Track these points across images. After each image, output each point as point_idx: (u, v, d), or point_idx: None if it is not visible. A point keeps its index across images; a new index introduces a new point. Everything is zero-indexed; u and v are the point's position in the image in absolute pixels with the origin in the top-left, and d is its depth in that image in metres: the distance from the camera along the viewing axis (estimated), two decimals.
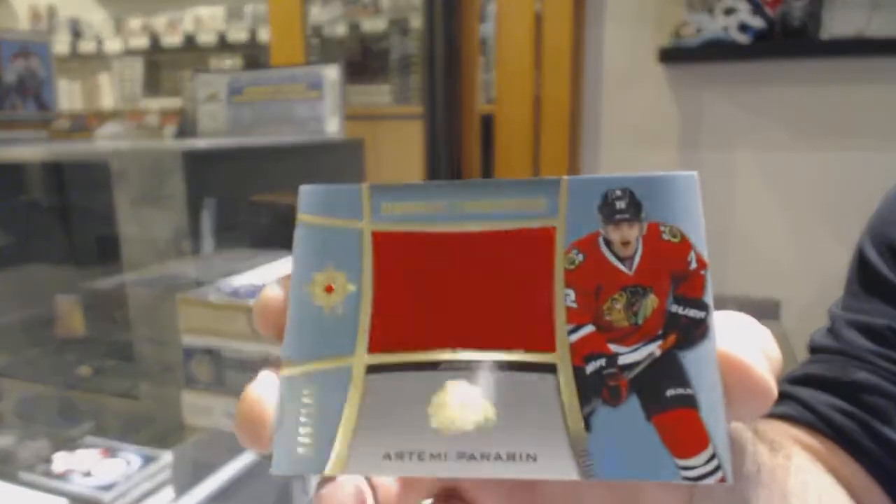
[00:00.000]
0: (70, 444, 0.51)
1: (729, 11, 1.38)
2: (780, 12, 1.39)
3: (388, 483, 0.17)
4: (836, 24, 1.38)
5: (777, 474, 0.21)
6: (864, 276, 0.39)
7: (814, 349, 0.39)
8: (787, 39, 1.41)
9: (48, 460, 0.49)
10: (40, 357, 0.81)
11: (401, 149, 1.74)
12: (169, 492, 0.49)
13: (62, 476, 0.47)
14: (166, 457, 0.49)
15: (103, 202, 0.65)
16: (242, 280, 0.57)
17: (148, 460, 0.49)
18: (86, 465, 0.49)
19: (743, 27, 1.38)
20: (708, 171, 1.54)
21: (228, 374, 0.54)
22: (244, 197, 0.77)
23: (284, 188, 0.79)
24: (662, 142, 1.58)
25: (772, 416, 0.37)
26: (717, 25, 1.40)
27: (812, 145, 1.47)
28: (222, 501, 0.51)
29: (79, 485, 0.47)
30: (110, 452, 0.50)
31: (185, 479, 0.51)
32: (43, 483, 0.47)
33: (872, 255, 0.38)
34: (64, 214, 0.88)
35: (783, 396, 0.38)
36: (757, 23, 1.37)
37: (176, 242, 0.63)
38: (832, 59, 1.40)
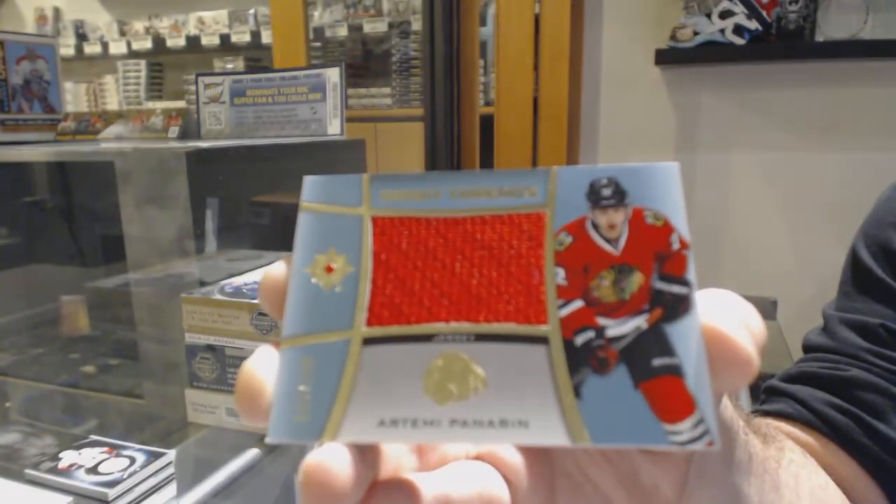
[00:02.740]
0: (75, 442, 0.51)
1: (725, 14, 1.38)
2: (776, 15, 1.40)
3: (405, 455, 0.17)
4: (832, 27, 1.38)
5: (769, 465, 0.21)
6: (857, 276, 0.39)
7: (808, 348, 0.40)
8: (782, 42, 1.41)
9: (53, 458, 0.50)
10: (45, 356, 0.82)
11: (401, 150, 1.75)
12: (172, 488, 0.50)
13: (67, 473, 0.48)
14: (170, 454, 0.50)
15: (108, 202, 0.65)
16: (245, 279, 0.58)
17: (152, 457, 0.49)
18: (91, 462, 0.49)
19: (739, 30, 1.38)
20: (705, 172, 1.55)
21: (231, 372, 0.55)
22: (247, 197, 0.77)
23: (287, 188, 0.80)
24: (660, 143, 1.58)
25: (767, 413, 0.37)
26: (713, 28, 1.40)
27: (808, 146, 1.47)
28: (225, 498, 0.51)
29: (83, 481, 0.47)
30: (115, 450, 0.51)
31: (188, 476, 0.52)
32: (48, 480, 0.47)
33: (865, 256, 0.39)
34: (69, 214, 0.89)
35: (778, 394, 0.38)
36: (753, 25, 1.37)
37: (179, 242, 0.64)
38: (827, 62, 1.41)
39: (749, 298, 0.16)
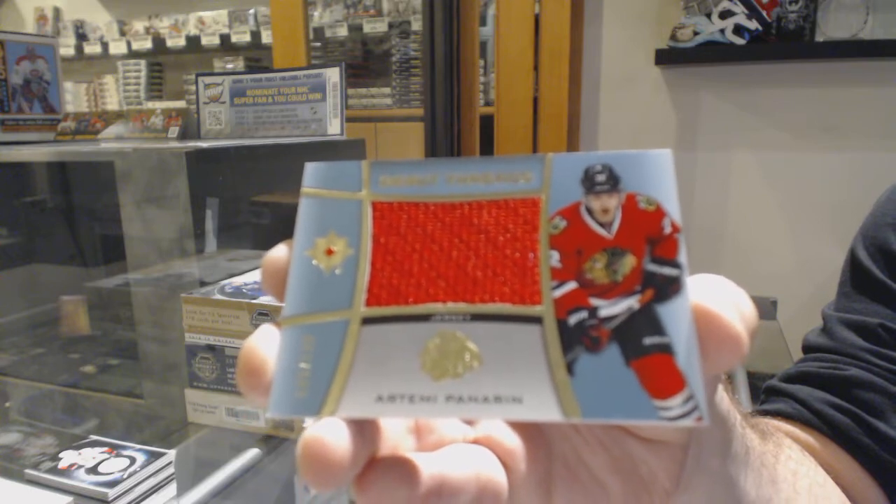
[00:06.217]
0: (75, 442, 0.51)
1: (725, 14, 1.38)
2: (776, 15, 1.40)
3: (404, 436, 0.18)
4: (832, 27, 1.38)
5: (767, 460, 0.22)
6: (856, 277, 0.39)
7: (808, 348, 0.40)
8: (782, 42, 1.41)
9: (53, 458, 0.50)
10: (45, 356, 0.82)
11: (401, 150, 1.75)
12: (172, 488, 0.50)
13: (67, 473, 0.48)
14: (170, 454, 0.50)
15: (108, 202, 0.66)
16: (245, 279, 0.58)
17: (152, 457, 0.49)
18: (91, 462, 0.49)
19: (739, 30, 1.38)
20: (705, 172, 1.55)
21: (231, 372, 0.55)
22: (247, 197, 0.77)
23: (287, 188, 0.80)
24: (659, 143, 1.58)
25: (767, 413, 0.38)
26: (713, 28, 1.40)
27: (808, 146, 1.47)
28: (225, 498, 0.51)
29: (83, 481, 0.47)
30: (115, 450, 0.51)
31: (189, 476, 0.52)
32: (48, 480, 0.47)
33: (864, 257, 0.39)
34: (69, 214, 0.89)
35: (778, 394, 0.38)
36: (753, 25, 1.37)
37: (179, 242, 0.64)
38: (827, 62, 1.41)
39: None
